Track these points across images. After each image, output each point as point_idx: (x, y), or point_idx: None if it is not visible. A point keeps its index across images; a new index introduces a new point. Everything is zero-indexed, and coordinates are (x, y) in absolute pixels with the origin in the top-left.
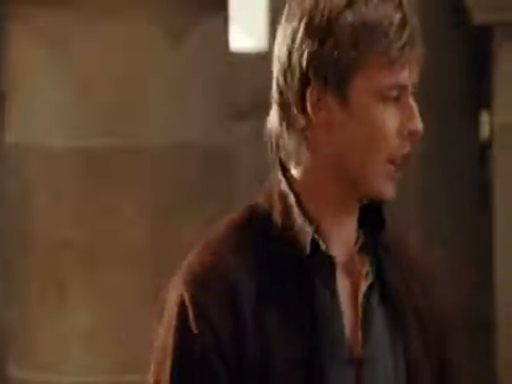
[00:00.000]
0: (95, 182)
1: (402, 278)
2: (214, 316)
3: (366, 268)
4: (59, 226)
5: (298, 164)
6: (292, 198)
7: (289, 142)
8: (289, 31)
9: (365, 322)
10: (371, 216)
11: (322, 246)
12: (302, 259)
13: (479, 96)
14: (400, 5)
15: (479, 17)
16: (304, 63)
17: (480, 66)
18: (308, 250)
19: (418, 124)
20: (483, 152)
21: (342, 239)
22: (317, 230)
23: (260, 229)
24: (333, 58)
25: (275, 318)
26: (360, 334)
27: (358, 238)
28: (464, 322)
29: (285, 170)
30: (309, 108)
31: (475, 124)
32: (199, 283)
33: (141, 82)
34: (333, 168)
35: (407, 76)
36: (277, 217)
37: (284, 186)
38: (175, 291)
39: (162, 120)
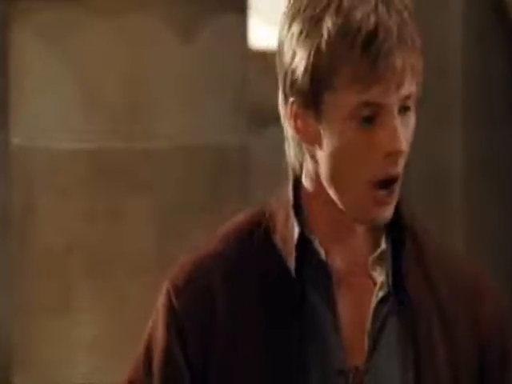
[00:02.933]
0: (102, 185)
1: (427, 283)
2: (187, 325)
3: (381, 278)
4: (65, 230)
5: (304, 173)
6: (291, 205)
7: (289, 151)
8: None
9: (373, 333)
10: (395, 223)
11: (318, 248)
12: (295, 268)
13: None
14: (376, 7)
15: None
16: (282, 73)
17: None
18: (294, 251)
19: (396, 145)
20: None
21: (346, 250)
22: (313, 235)
23: (261, 236)
24: (305, 70)
25: (255, 333)
26: (366, 346)
27: (375, 247)
28: None
29: (297, 178)
30: (287, 115)
31: None
32: (179, 288)
33: (149, 81)
34: (322, 184)
35: (383, 92)
36: (279, 225)
37: (289, 192)
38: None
39: (171, 120)
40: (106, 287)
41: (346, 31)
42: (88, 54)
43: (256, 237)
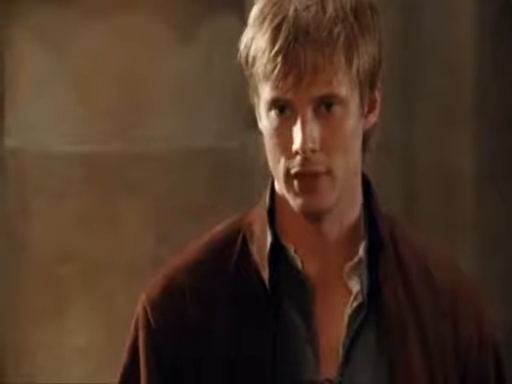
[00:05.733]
0: (98, 189)
1: (406, 291)
2: (163, 340)
3: (356, 288)
4: (59, 235)
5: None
6: (266, 210)
7: None
8: None
9: (347, 344)
10: (373, 230)
11: (294, 257)
12: (269, 280)
13: None
14: (289, 2)
15: None
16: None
17: None
18: (267, 262)
19: (299, 145)
20: None
21: (320, 258)
22: (289, 243)
23: (239, 246)
24: (249, 70)
25: (228, 345)
26: (340, 356)
27: (352, 255)
28: None
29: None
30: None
31: None
32: (154, 304)
33: (146, 84)
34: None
35: (290, 89)
36: (257, 233)
37: (267, 197)
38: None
39: (169, 124)
40: (101, 294)
41: (264, 29)
42: (84, 56)
43: (234, 246)
